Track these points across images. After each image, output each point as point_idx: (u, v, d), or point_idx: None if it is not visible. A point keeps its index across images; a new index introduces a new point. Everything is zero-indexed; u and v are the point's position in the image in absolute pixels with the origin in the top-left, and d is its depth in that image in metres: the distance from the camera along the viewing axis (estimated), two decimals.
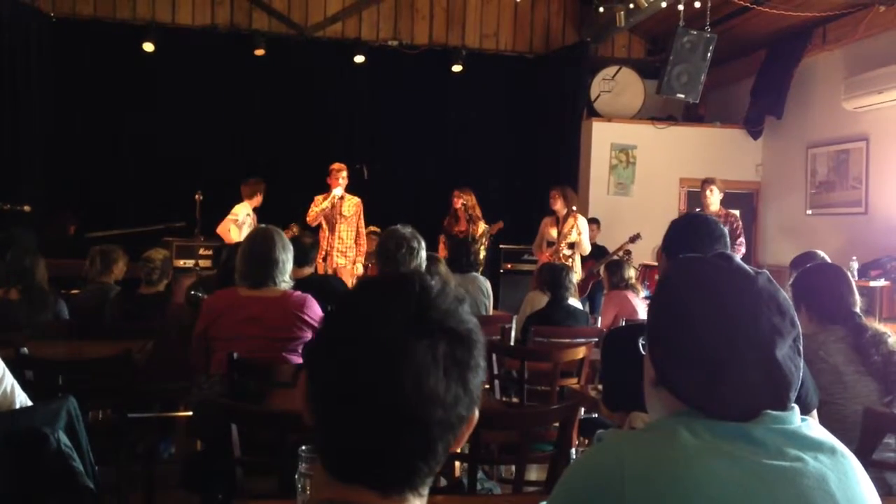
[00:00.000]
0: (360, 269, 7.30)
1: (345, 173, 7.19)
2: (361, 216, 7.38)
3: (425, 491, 0.98)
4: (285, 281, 3.44)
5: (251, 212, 7.46)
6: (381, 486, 0.95)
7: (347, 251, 7.28)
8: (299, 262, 4.42)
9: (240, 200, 7.55)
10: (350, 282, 6.57)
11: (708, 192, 6.81)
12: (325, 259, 7.11)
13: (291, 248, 3.51)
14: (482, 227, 7.68)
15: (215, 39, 9.20)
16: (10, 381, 2.54)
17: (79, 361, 3.60)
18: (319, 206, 7.16)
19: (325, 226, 7.29)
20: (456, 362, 0.94)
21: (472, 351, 0.96)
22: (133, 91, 9.01)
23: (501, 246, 8.71)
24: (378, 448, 0.93)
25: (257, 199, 7.54)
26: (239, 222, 7.26)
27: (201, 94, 8.98)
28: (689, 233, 2.47)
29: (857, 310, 2.80)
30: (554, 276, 5.02)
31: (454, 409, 0.94)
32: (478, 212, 7.72)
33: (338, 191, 7.14)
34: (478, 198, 7.82)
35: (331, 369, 0.95)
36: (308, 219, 7.24)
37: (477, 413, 0.99)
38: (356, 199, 7.36)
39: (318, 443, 0.97)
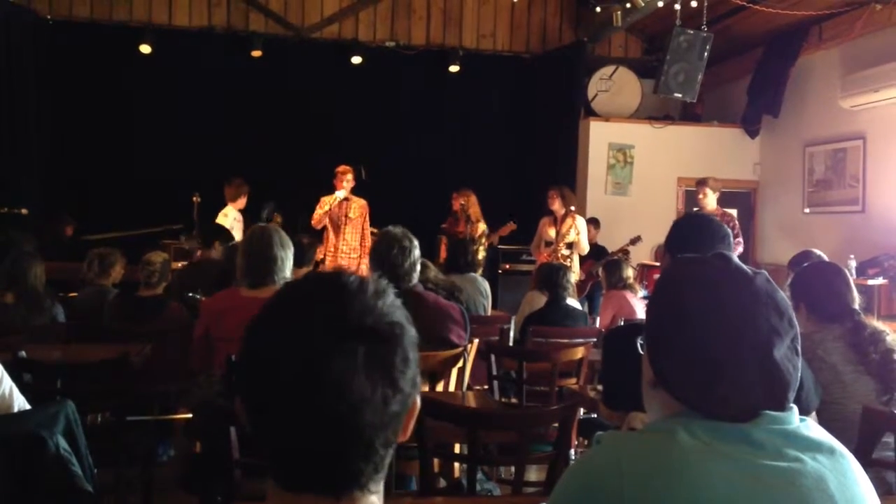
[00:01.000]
0: (364, 270, 7.30)
1: (350, 176, 7.22)
2: (367, 218, 7.40)
3: (377, 487, 0.97)
4: (285, 279, 3.43)
5: (238, 214, 7.43)
6: (330, 491, 0.94)
7: (351, 253, 7.30)
8: (297, 262, 4.41)
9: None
10: None
11: (701, 195, 6.84)
12: (322, 261, 7.11)
13: (291, 245, 3.51)
14: (482, 228, 7.66)
15: (212, 41, 9.20)
16: (8, 384, 2.54)
17: (77, 364, 3.59)
18: (324, 207, 7.20)
19: (330, 227, 7.33)
20: (379, 363, 0.92)
21: (395, 348, 0.94)
22: (130, 93, 9.01)
23: (500, 246, 8.70)
24: (314, 455, 0.92)
25: (241, 202, 7.46)
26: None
27: (198, 95, 8.97)
28: (694, 232, 2.47)
29: (857, 307, 2.79)
30: (552, 277, 5.02)
31: (385, 409, 0.92)
32: (476, 213, 7.69)
33: (340, 193, 7.18)
34: (477, 198, 7.81)
35: (253, 383, 0.94)
36: (312, 221, 7.29)
37: (418, 401, 0.98)
38: (362, 202, 7.40)
39: (260, 453, 0.97)
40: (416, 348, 0.98)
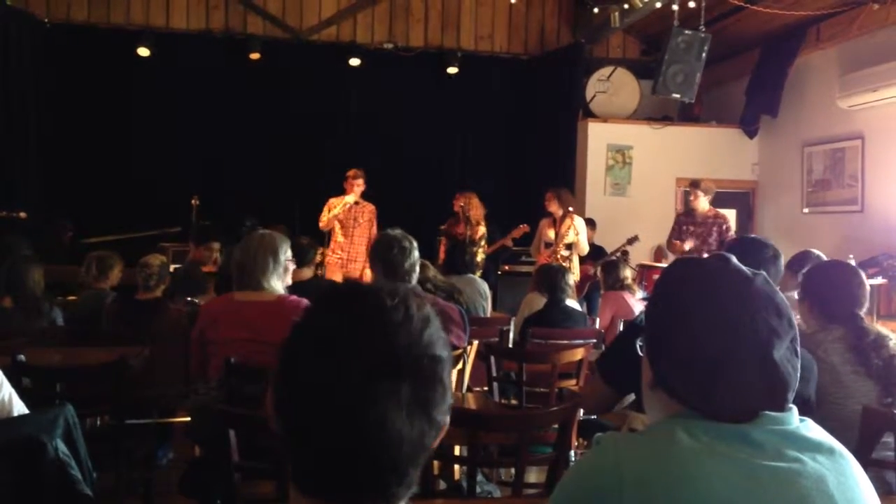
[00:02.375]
0: (370, 276, 7.32)
1: (361, 180, 7.24)
2: (374, 223, 7.42)
3: (404, 502, 0.98)
4: (278, 284, 3.41)
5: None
6: (356, 502, 0.95)
7: (359, 257, 7.34)
8: (297, 263, 4.41)
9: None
10: None
11: (692, 197, 6.88)
12: (322, 263, 7.11)
13: (287, 251, 3.50)
14: (482, 231, 7.63)
15: (210, 44, 9.20)
16: (8, 390, 2.53)
17: (76, 368, 3.59)
18: (333, 210, 7.22)
19: (339, 231, 7.35)
20: (420, 402, 0.93)
21: (436, 385, 0.95)
22: (128, 96, 9.02)
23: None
24: (347, 473, 0.93)
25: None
26: None
27: (196, 98, 8.97)
28: (749, 247, 2.51)
29: (862, 312, 2.78)
30: (551, 278, 5.02)
31: (420, 442, 0.94)
32: (477, 215, 7.65)
33: (350, 197, 7.21)
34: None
35: (292, 409, 0.95)
36: (321, 224, 7.32)
37: (447, 420, 0.99)
38: (371, 207, 7.46)
39: (288, 458, 0.97)
40: (451, 374, 0.98)
